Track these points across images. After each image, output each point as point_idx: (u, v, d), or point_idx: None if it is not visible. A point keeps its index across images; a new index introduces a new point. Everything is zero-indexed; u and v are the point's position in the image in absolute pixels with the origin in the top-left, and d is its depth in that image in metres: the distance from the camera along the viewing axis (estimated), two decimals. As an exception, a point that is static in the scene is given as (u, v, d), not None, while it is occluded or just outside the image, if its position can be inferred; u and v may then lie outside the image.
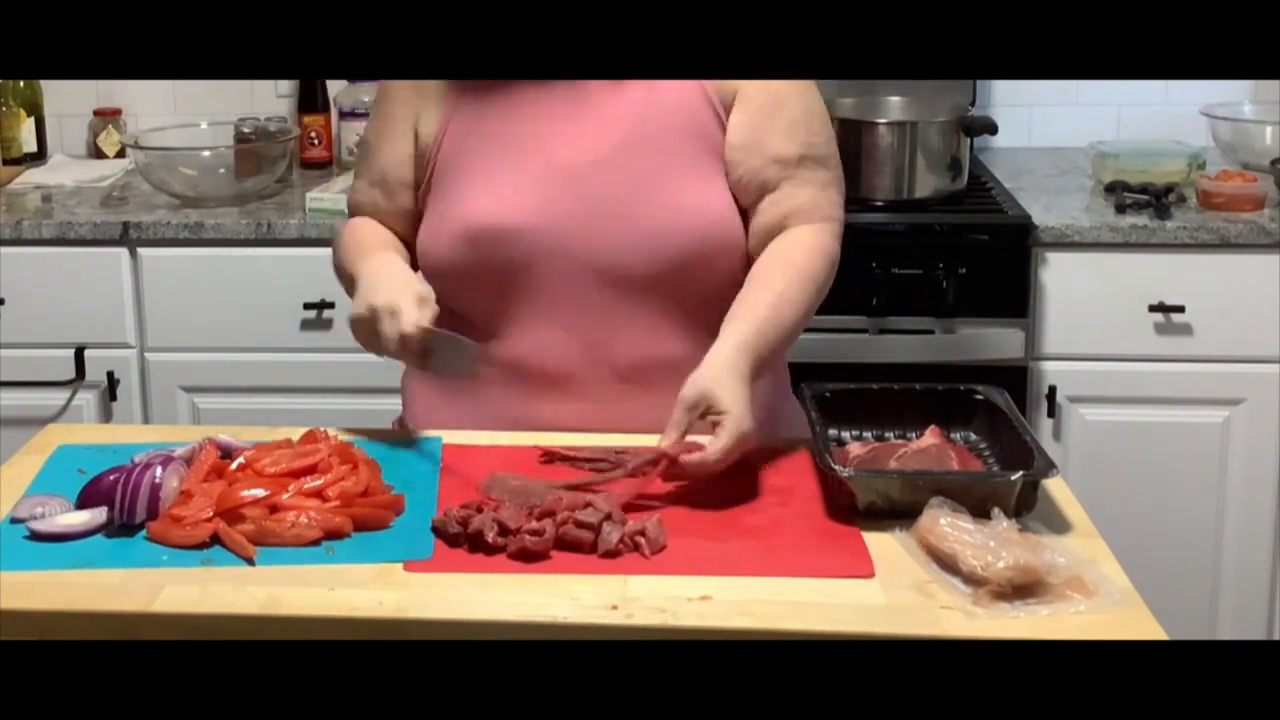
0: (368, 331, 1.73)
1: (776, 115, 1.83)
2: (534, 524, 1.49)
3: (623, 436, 1.76)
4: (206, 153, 3.01)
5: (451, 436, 1.79)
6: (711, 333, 1.74)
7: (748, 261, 1.83)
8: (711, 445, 1.61)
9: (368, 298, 1.72)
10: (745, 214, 1.84)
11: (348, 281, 1.86)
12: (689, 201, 1.80)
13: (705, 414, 1.64)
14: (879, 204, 2.78)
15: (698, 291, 1.81)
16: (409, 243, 1.90)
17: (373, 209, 1.93)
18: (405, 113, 1.89)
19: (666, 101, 1.82)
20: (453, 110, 1.86)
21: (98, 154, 3.36)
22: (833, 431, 1.72)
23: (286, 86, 3.34)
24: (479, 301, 1.83)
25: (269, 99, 3.36)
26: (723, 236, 1.81)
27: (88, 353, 2.84)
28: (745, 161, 1.82)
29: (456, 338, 1.72)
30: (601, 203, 1.79)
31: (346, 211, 1.99)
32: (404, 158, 1.89)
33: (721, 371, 1.67)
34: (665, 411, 1.66)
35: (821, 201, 1.85)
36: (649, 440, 1.68)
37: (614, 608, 1.38)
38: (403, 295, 1.70)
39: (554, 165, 1.80)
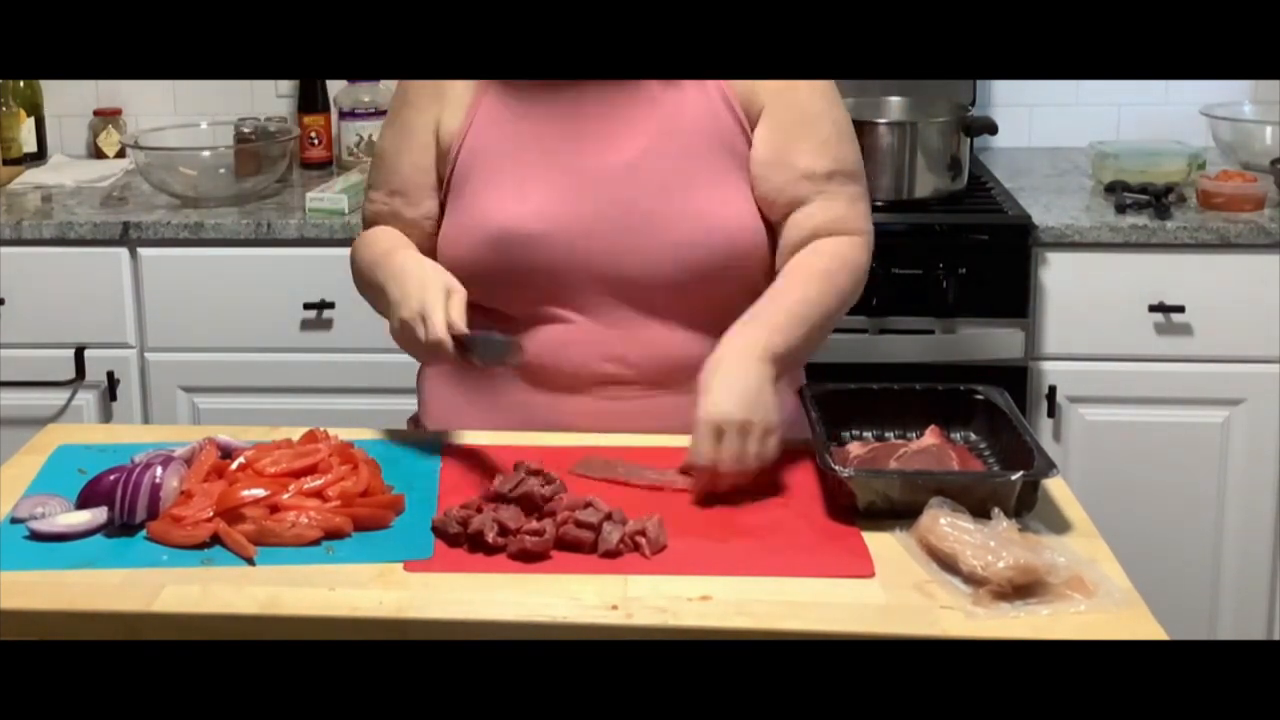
0: (409, 340, 1.71)
1: (806, 132, 1.82)
2: (534, 524, 1.49)
3: (639, 437, 1.76)
4: (206, 153, 3.01)
5: (452, 437, 1.79)
6: None
7: (771, 274, 1.82)
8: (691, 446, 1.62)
9: (398, 311, 1.70)
10: (773, 227, 1.83)
11: (376, 296, 1.83)
12: (712, 210, 1.79)
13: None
14: (879, 204, 2.77)
15: (719, 297, 1.80)
16: (430, 249, 1.86)
17: (393, 218, 1.89)
18: (424, 119, 1.87)
19: (690, 109, 1.81)
20: (477, 108, 1.84)
21: (98, 154, 3.36)
22: (833, 431, 1.72)
23: (286, 86, 3.34)
24: (499, 302, 1.81)
25: (269, 99, 3.36)
26: (746, 245, 1.80)
27: (88, 353, 2.84)
28: (773, 177, 1.81)
29: (490, 336, 1.69)
30: (625, 210, 1.78)
31: (361, 225, 1.95)
32: (427, 163, 1.87)
33: (726, 351, 1.67)
34: (682, 414, 1.66)
35: (852, 215, 1.85)
36: (667, 441, 1.71)
37: (614, 608, 1.38)
38: (429, 297, 1.67)
39: (578, 171, 1.80)
